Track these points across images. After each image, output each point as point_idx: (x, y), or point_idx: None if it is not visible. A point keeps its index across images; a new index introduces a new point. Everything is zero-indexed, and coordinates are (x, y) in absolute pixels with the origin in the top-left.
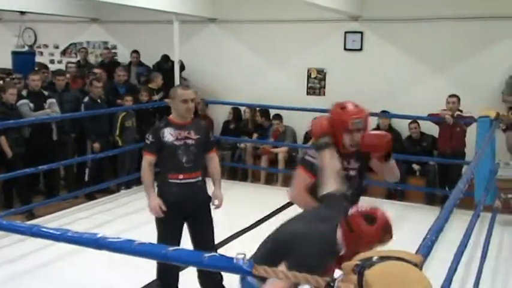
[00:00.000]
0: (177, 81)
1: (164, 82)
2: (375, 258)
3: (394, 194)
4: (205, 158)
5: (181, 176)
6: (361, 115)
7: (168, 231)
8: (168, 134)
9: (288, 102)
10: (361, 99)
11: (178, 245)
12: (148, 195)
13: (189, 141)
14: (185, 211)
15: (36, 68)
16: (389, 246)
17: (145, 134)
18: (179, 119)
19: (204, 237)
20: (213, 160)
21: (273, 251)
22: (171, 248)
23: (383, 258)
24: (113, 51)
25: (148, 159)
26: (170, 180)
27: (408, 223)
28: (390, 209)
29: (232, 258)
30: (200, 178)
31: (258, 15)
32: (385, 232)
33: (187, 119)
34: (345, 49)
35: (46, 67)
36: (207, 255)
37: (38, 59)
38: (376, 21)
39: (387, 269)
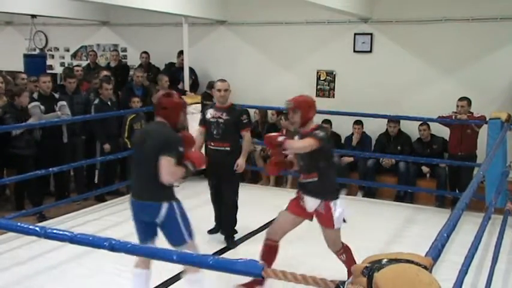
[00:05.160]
0: (186, 83)
1: (170, 84)
2: (384, 261)
3: (403, 196)
4: (238, 135)
5: (212, 144)
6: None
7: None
8: (209, 113)
9: None
10: (370, 101)
11: (213, 189)
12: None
13: (220, 120)
14: (215, 170)
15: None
16: (400, 249)
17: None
18: (218, 103)
19: (224, 191)
20: (244, 137)
21: None
22: (178, 252)
23: (392, 261)
24: (123, 53)
25: (199, 130)
26: (208, 146)
27: (418, 226)
28: (400, 212)
29: (242, 262)
30: (228, 148)
31: (268, 17)
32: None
33: (224, 105)
34: (355, 51)
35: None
36: (213, 258)
37: (49, 61)
38: (386, 23)
39: (397, 271)
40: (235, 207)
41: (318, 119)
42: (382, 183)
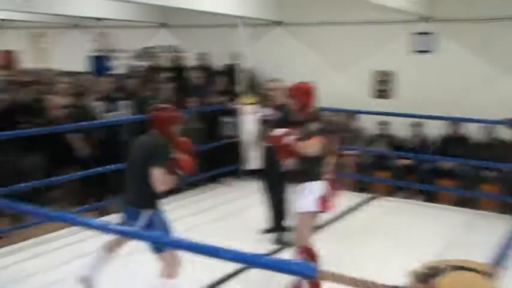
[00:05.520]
0: (242, 84)
1: (229, 85)
2: (445, 268)
3: (464, 201)
4: None
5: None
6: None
7: None
8: (265, 112)
9: (352, 105)
10: (431, 102)
11: (266, 185)
12: None
13: (271, 118)
14: (269, 167)
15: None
16: (459, 255)
17: (212, 136)
18: (271, 103)
19: (275, 185)
20: None
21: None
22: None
23: (454, 268)
24: (181, 54)
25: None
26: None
27: (480, 232)
28: (460, 217)
29: (296, 262)
30: None
31: (323, 17)
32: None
33: (275, 104)
34: (414, 51)
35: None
36: (265, 258)
37: (112, 62)
38: (446, 21)
39: (457, 279)
40: (281, 202)
41: (373, 120)
42: (441, 186)
